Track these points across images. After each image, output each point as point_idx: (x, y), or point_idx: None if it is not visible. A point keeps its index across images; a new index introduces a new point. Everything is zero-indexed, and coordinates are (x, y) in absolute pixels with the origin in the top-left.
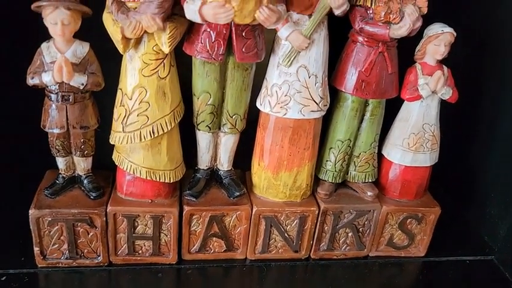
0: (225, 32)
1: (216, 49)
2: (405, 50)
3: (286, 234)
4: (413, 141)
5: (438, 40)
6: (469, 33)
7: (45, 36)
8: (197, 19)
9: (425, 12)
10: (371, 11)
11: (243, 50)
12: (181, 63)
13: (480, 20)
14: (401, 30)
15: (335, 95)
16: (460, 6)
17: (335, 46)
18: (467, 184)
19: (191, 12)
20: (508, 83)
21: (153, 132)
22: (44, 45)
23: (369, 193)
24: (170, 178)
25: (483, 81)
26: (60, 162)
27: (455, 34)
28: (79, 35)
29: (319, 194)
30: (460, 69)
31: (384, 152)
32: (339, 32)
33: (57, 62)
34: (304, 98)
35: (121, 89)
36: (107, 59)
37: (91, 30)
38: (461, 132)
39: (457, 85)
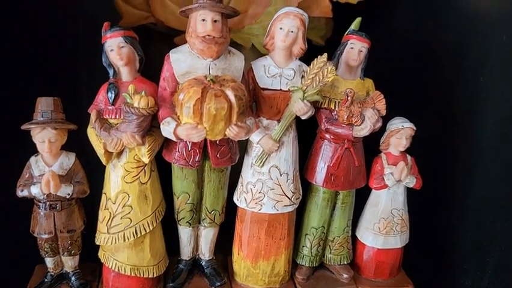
0: (200, 141)
1: (192, 157)
2: (372, 139)
3: None
4: (383, 226)
5: (400, 134)
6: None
7: (35, 148)
8: (172, 138)
9: (384, 114)
10: (335, 113)
11: (218, 156)
12: None
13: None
14: (362, 131)
15: (308, 184)
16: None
17: (306, 140)
18: (440, 257)
19: (166, 132)
20: (478, 155)
21: (136, 233)
22: (32, 159)
23: (344, 275)
24: (153, 273)
25: (454, 153)
26: (49, 261)
27: (414, 128)
28: None
29: (297, 279)
30: (430, 141)
31: (358, 235)
32: (308, 127)
33: (45, 177)
34: (277, 194)
35: (105, 193)
36: None
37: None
38: (432, 204)
39: (420, 173)
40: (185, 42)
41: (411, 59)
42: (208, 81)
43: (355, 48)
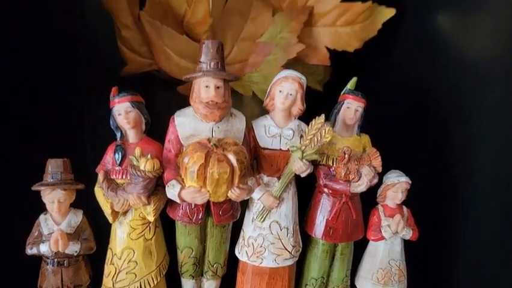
0: None
1: (195, 214)
2: (369, 190)
3: None
4: (381, 276)
5: (396, 188)
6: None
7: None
8: (177, 200)
9: (380, 171)
10: (333, 169)
11: (220, 213)
12: None
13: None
14: (359, 187)
15: (307, 236)
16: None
17: (305, 193)
18: None
19: (171, 195)
20: (472, 204)
21: (141, 287)
22: (41, 218)
23: None
24: None
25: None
26: None
27: (410, 182)
28: None
29: None
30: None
31: (357, 284)
32: (307, 181)
33: (54, 236)
34: (278, 248)
35: (111, 249)
36: None
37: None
38: (429, 254)
39: (417, 223)
40: (188, 90)
41: (406, 108)
42: (212, 145)
43: (351, 107)
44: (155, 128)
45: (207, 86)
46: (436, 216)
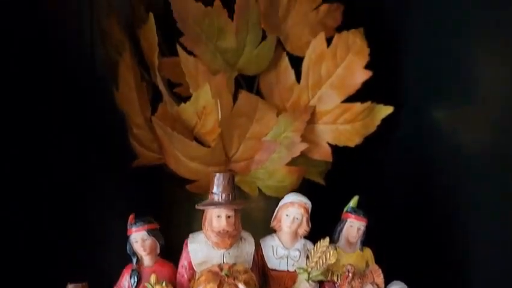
0: None
1: None
2: None
3: None
4: None
5: None
6: None
7: None
8: None
9: None
10: (337, 285)
11: None
12: None
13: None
14: None
15: None
16: None
17: None
18: None
19: None
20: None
21: None
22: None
23: None
24: None
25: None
26: None
27: None
28: None
29: None
30: None
31: None
32: None
33: None
34: None
35: None
36: None
37: None
38: None
39: None
40: (197, 189)
41: (406, 217)
42: (223, 275)
43: (354, 226)
44: (166, 227)
45: (218, 216)
46: None
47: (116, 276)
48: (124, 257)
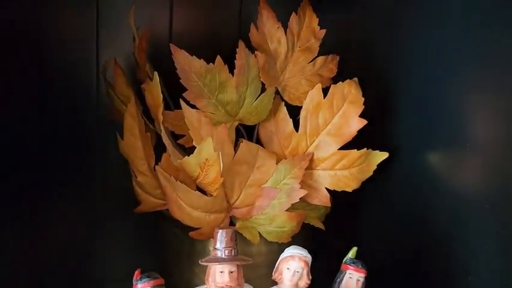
0: None
1: None
2: None
3: None
4: None
5: None
6: None
7: None
8: None
9: None
10: None
11: None
12: None
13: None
14: None
15: None
16: None
17: None
18: None
19: None
20: None
21: None
22: None
23: None
24: None
25: None
26: None
27: None
28: None
29: None
30: None
31: None
32: None
33: None
34: None
35: None
36: None
37: None
38: None
39: None
40: (200, 236)
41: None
42: None
43: (353, 278)
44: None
45: (221, 272)
46: None
47: None
48: None
